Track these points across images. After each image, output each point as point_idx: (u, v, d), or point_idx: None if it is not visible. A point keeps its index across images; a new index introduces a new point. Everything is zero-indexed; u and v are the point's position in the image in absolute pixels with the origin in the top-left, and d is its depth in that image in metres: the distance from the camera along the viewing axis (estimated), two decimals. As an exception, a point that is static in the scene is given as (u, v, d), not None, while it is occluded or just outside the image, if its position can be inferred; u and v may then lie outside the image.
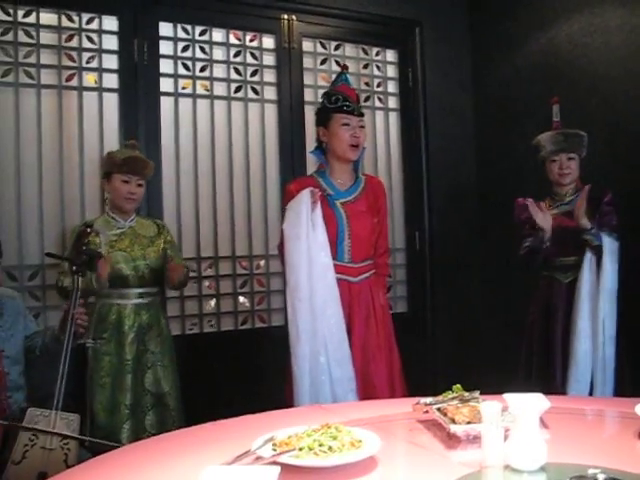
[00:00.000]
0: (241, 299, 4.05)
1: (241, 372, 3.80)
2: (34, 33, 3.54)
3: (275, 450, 1.45)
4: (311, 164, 4.18)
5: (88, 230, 2.80)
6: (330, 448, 1.43)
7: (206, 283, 3.97)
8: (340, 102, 2.94)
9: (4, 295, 2.73)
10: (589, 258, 3.11)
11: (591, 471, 1.23)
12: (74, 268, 2.71)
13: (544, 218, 3.17)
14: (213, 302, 3.98)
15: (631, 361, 3.14)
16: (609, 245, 3.08)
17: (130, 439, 2.88)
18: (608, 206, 3.20)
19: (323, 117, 3.00)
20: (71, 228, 3.22)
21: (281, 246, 2.96)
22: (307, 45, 4.31)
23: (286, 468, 1.34)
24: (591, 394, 3.01)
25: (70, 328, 2.60)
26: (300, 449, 1.43)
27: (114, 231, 3.10)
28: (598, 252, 3.08)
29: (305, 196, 2.80)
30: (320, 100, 4.26)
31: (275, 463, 1.35)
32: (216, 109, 4.01)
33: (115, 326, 3.03)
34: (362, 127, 2.98)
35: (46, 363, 2.71)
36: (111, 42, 3.74)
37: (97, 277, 2.91)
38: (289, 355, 2.85)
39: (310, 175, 3.12)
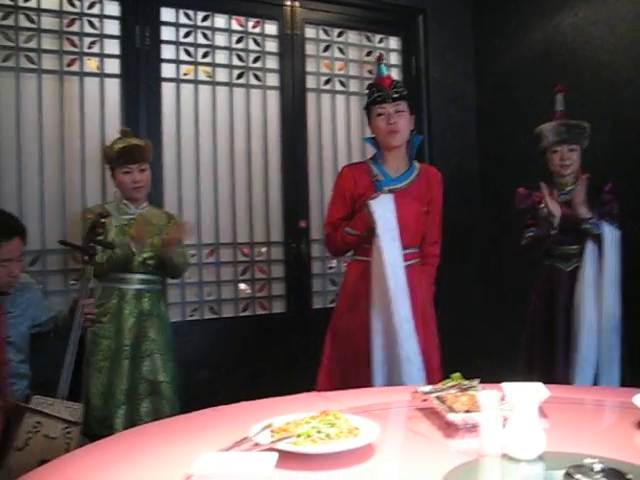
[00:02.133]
0: (242, 286, 4.05)
1: (241, 359, 3.80)
2: (35, 17, 3.53)
3: (273, 437, 1.45)
4: (313, 152, 4.20)
5: (103, 220, 2.79)
6: (328, 435, 1.43)
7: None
8: (374, 94, 2.97)
9: (23, 282, 2.72)
10: (590, 248, 3.11)
11: (588, 460, 1.23)
12: (85, 258, 2.71)
13: (555, 204, 3.16)
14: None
15: (636, 350, 3.13)
16: (610, 234, 3.08)
17: (124, 425, 2.88)
18: (609, 195, 3.19)
19: (367, 112, 3.05)
20: (75, 212, 3.23)
21: (337, 237, 2.97)
22: (310, 32, 4.28)
23: (284, 455, 1.34)
24: (595, 384, 3.02)
25: (79, 318, 2.60)
26: (298, 436, 1.43)
27: (125, 216, 3.10)
28: (599, 241, 3.08)
29: (389, 200, 2.83)
30: (322, 87, 4.30)
31: (273, 450, 1.35)
32: (218, 95, 3.99)
33: (115, 310, 3.02)
34: (398, 112, 2.96)
35: (52, 351, 2.72)
36: (113, 27, 3.73)
37: (134, 240, 2.96)
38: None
39: (365, 160, 3.16)
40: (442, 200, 3.14)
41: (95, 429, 2.79)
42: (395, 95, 2.97)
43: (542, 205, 3.27)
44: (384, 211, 2.80)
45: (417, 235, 3.02)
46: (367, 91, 3.08)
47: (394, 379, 2.71)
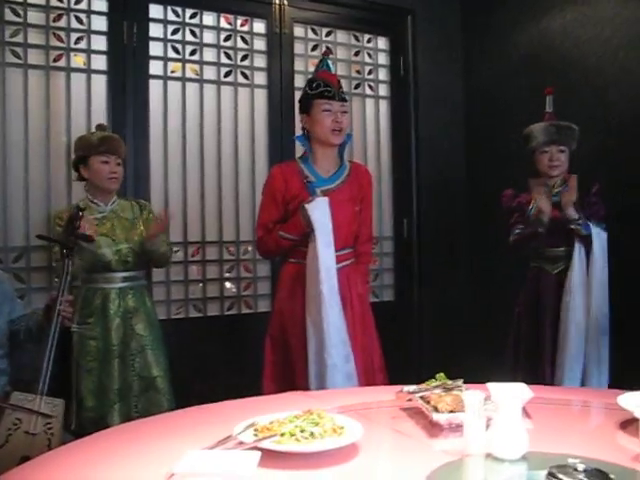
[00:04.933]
0: (227, 284, 4.04)
1: (226, 358, 3.79)
2: (21, 12, 3.50)
3: (256, 435, 1.44)
4: (300, 150, 4.17)
5: (79, 213, 2.76)
6: (312, 434, 1.42)
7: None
8: (321, 88, 2.91)
9: None
10: (578, 249, 3.13)
11: (571, 460, 1.23)
12: (64, 251, 2.67)
13: (547, 202, 3.17)
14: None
15: (624, 352, 3.15)
16: (598, 236, 3.10)
17: (120, 423, 2.83)
18: (595, 197, 3.21)
19: (305, 104, 2.98)
20: (54, 212, 3.20)
21: (270, 240, 2.93)
22: (298, 31, 4.28)
23: (267, 453, 1.34)
24: (584, 385, 3.03)
25: (58, 313, 2.57)
26: (282, 435, 1.42)
27: (95, 215, 3.06)
28: (587, 243, 3.10)
29: (325, 204, 2.80)
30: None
31: (256, 448, 1.35)
32: (205, 93, 3.98)
33: (100, 311, 3.00)
34: (344, 112, 2.95)
35: (30, 347, 2.69)
36: (100, 23, 3.70)
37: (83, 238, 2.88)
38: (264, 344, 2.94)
39: (293, 160, 3.10)
40: (372, 197, 3.16)
41: (90, 430, 2.76)
42: (342, 95, 2.97)
43: (530, 205, 3.29)
44: (320, 215, 2.78)
45: (351, 235, 3.00)
46: (308, 83, 3.00)
47: (324, 384, 2.70)
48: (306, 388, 2.66)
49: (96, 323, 2.99)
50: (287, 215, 2.91)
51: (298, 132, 4.14)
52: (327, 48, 4.27)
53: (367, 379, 2.86)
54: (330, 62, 3.10)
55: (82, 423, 2.80)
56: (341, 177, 3.00)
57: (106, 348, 2.97)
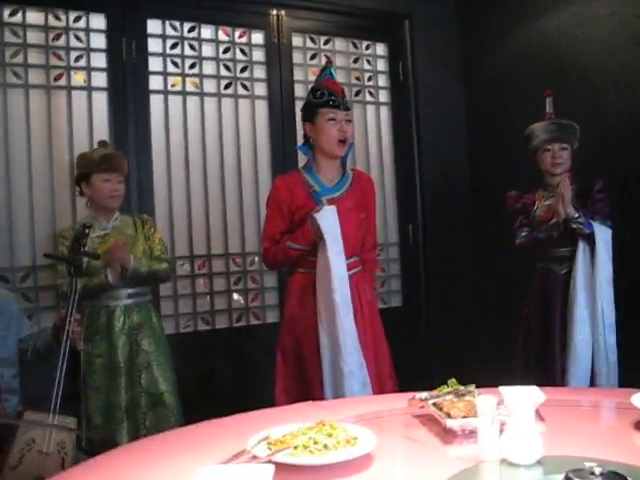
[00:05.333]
0: (235, 296, 4.04)
1: (236, 370, 3.79)
2: (21, 33, 3.52)
3: (270, 449, 1.44)
4: (302, 160, 4.17)
5: (86, 231, 2.76)
6: (325, 446, 1.42)
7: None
8: (325, 97, 2.89)
9: (2, 297, 2.69)
10: (582, 248, 3.12)
11: (588, 464, 1.22)
12: (72, 270, 2.67)
13: (569, 207, 3.12)
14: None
15: (634, 350, 3.13)
16: (602, 233, 3.08)
17: (129, 440, 2.85)
18: (600, 194, 3.20)
19: (309, 112, 2.95)
20: (58, 231, 3.20)
21: (278, 251, 2.90)
22: (297, 40, 4.29)
23: (281, 467, 1.33)
24: (592, 384, 3.01)
25: (67, 332, 2.56)
26: (295, 447, 1.42)
27: (97, 233, 3.05)
28: (590, 241, 3.09)
29: (333, 213, 2.79)
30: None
31: (270, 462, 1.34)
32: (206, 106, 3.99)
33: (105, 328, 3.00)
34: (349, 121, 2.94)
35: (39, 367, 2.69)
36: (99, 40, 3.72)
37: (112, 269, 2.93)
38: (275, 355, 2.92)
39: (297, 170, 3.08)
40: (375, 204, 3.15)
41: (99, 448, 2.75)
42: (347, 104, 2.95)
43: (535, 207, 3.28)
44: (329, 224, 2.77)
45: (358, 243, 2.99)
46: (312, 92, 2.97)
47: (340, 393, 2.69)
48: (321, 398, 2.65)
49: (101, 341, 2.99)
50: (293, 225, 2.90)
51: (300, 141, 4.17)
52: (327, 57, 4.27)
53: (379, 386, 2.85)
54: (333, 70, 3.09)
55: (91, 441, 2.80)
56: (345, 185, 2.98)
57: (112, 365, 2.97)
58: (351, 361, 2.71)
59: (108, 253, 2.95)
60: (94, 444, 2.75)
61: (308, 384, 2.81)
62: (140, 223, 3.20)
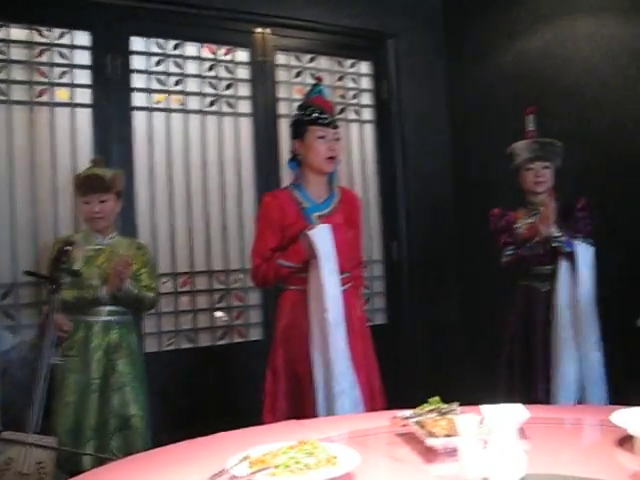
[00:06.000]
0: (218, 314, 4.02)
1: (219, 388, 3.76)
2: (5, 49, 3.51)
3: (251, 468, 1.42)
4: (287, 177, 4.18)
5: (67, 248, 2.76)
6: (307, 465, 1.40)
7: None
8: (316, 114, 2.90)
9: None
10: (564, 266, 3.13)
11: (570, 482, 1.22)
12: (52, 287, 2.66)
13: (550, 226, 3.15)
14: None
15: (619, 365, 3.14)
16: (583, 252, 3.10)
17: (92, 462, 2.77)
18: (582, 212, 3.22)
19: (298, 129, 2.95)
20: (48, 244, 3.19)
21: (269, 269, 2.87)
22: (281, 58, 4.30)
23: (262, 487, 1.32)
24: (582, 403, 3.01)
25: (47, 349, 2.54)
26: (276, 467, 1.40)
27: (92, 246, 3.07)
28: (572, 259, 3.10)
29: (327, 231, 2.78)
30: (295, 113, 4.30)
31: (250, 482, 1.33)
32: (190, 123, 3.98)
33: (82, 343, 2.97)
34: (338, 139, 2.95)
35: (19, 382, 2.66)
36: (83, 57, 3.71)
37: (109, 285, 2.97)
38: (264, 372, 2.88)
39: (285, 187, 3.08)
40: (361, 221, 3.17)
41: (63, 467, 2.70)
42: (336, 123, 2.97)
43: (516, 225, 3.29)
44: (323, 242, 2.76)
45: (348, 259, 2.97)
46: (302, 109, 2.97)
47: (332, 411, 2.68)
48: (314, 415, 2.64)
49: (77, 356, 2.96)
50: (284, 242, 2.88)
51: (283, 159, 4.17)
52: (312, 75, 4.29)
53: (371, 404, 2.84)
54: (323, 88, 3.08)
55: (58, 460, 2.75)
56: (333, 202, 2.99)
57: (85, 382, 2.94)
58: (343, 380, 2.70)
59: (110, 268, 2.97)
60: (60, 463, 2.70)
61: (301, 403, 2.79)
62: (135, 247, 3.21)
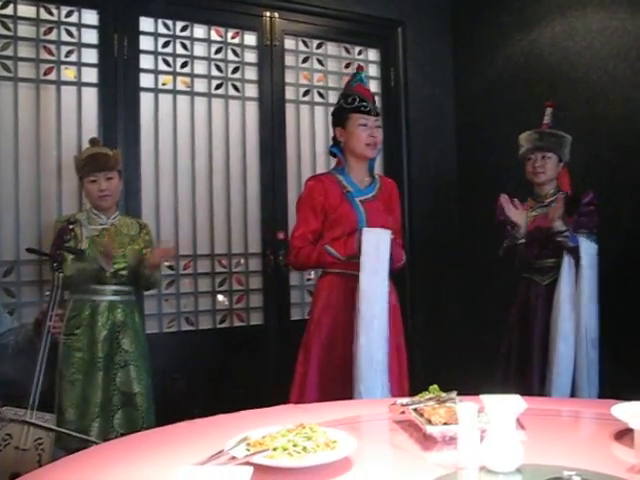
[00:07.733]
0: (220, 297, 4.02)
1: (218, 371, 3.77)
2: (12, 25, 3.49)
3: (249, 450, 1.42)
4: (292, 163, 4.19)
5: (70, 227, 2.76)
6: (304, 448, 1.41)
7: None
8: (357, 102, 2.95)
9: None
10: (567, 261, 3.12)
11: (567, 473, 1.22)
12: (54, 265, 2.66)
13: (517, 213, 3.19)
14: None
15: (615, 362, 3.14)
16: (587, 247, 3.09)
17: (99, 437, 2.84)
18: (588, 206, 3.20)
19: (340, 117, 3.01)
20: (51, 222, 3.19)
21: (313, 252, 2.90)
22: (289, 43, 4.28)
23: (259, 468, 1.32)
24: (573, 396, 3.02)
25: (48, 327, 2.54)
26: (274, 449, 1.40)
27: (95, 226, 3.08)
28: (576, 254, 3.09)
29: (387, 236, 2.79)
30: (301, 98, 4.29)
31: (249, 463, 1.33)
32: (196, 106, 3.98)
33: (88, 322, 2.99)
34: (379, 127, 2.99)
35: (19, 362, 2.66)
36: (91, 36, 3.70)
37: (104, 257, 2.96)
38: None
39: (329, 172, 3.12)
40: (400, 208, 3.22)
41: (70, 443, 2.73)
42: (377, 110, 3.01)
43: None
44: (382, 247, 2.77)
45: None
46: (344, 97, 3.02)
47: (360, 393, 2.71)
48: (343, 398, 2.62)
49: (83, 334, 2.98)
50: (326, 225, 2.92)
51: (289, 144, 4.17)
52: (320, 61, 4.30)
53: (398, 388, 2.86)
54: (364, 76, 3.13)
55: (63, 436, 2.77)
56: (375, 188, 3.04)
57: (91, 360, 2.97)
58: (378, 366, 2.72)
59: (104, 248, 3.01)
60: (65, 439, 2.72)
61: (331, 385, 2.81)
62: (138, 226, 3.23)
